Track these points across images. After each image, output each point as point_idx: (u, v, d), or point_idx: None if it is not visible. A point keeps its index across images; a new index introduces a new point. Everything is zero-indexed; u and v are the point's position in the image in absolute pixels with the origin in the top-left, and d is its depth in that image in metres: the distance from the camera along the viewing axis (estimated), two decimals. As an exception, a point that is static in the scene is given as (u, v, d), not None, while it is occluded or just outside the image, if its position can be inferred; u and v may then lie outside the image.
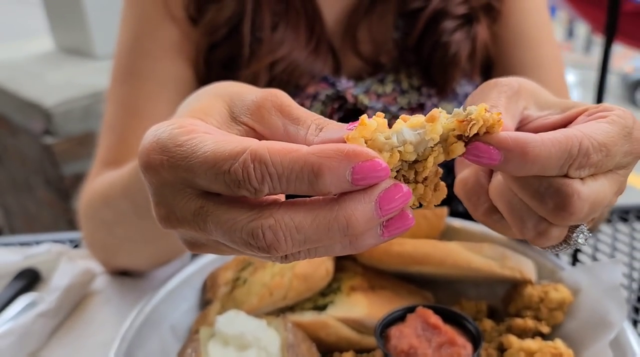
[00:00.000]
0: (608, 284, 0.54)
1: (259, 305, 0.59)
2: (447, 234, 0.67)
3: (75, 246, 0.84)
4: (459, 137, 0.33)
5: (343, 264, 0.66)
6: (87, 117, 1.91)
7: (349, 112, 0.76)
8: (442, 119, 0.32)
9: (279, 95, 0.36)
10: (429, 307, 0.55)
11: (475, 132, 0.32)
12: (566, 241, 0.39)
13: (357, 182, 0.29)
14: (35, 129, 1.87)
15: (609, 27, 1.07)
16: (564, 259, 0.77)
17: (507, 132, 0.34)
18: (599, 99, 1.21)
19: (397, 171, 0.32)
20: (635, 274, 0.72)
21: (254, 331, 0.52)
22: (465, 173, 0.41)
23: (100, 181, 0.70)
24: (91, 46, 2.15)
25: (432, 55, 0.76)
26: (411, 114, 0.77)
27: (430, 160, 0.32)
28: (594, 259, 0.76)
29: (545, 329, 0.55)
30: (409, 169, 0.33)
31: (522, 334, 0.55)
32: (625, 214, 0.86)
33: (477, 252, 0.58)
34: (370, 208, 0.30)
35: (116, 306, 0.72)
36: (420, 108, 0.77)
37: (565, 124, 0.39)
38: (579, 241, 0.39)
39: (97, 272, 0.75)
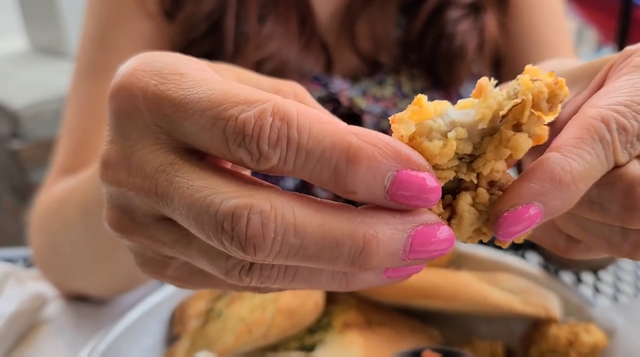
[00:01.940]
0: (650, 326, 0.46)
1: (235, 344, 0.50)
2: (455, 261, 0.58)
3: (29, 265, 0.74)
4: (516, 128, 0.24)
5: (335, 295, 0.57)
6: (58, 121, 1.80)
7: (343, 117, 0.68)
8: (493, 90, 0.23)
9: (299, 86, 0.30)
10: (437, 350, 0.46)
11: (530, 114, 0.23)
12: None
13: (396, 194, 0.21)
14: (1, 132, 1.77)
15: (620, 35, 1.01)
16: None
17: (519, 182, 0.24)
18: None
19: (452, 177, 0.24)
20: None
21: (228, 381, 0.43)
22: None
23: (55, 189, 0.62)
24: (66, 46, 2.05)
25: (436, 48, 0.69)
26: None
27: (491, 149, 0.23)
28: (617, 290, 0.68)
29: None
30: (467, 171, 0.24)
31: (548, 383, 0.47)
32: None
33: (494, 285, 0.50)
34: (400, 240, 0.22)
35: (69, 338, 0.62)
36: None
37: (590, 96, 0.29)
38: None
39: (49, 297, 0.66)
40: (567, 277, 0.68)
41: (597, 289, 0.67)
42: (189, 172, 0.22)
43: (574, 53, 0.78)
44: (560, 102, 0.24)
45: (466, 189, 0.25)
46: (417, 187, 0.21)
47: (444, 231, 0.22)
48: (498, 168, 0.24)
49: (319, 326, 0.54)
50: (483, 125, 0.24)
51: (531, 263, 0.60)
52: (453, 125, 0.23)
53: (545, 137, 0.25)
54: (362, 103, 0.68)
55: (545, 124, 0.24)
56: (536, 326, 0.51)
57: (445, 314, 0.56)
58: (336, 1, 0.72)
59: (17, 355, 0.60)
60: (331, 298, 0.56)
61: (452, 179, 0.24)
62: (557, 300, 0.51)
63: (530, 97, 0.23)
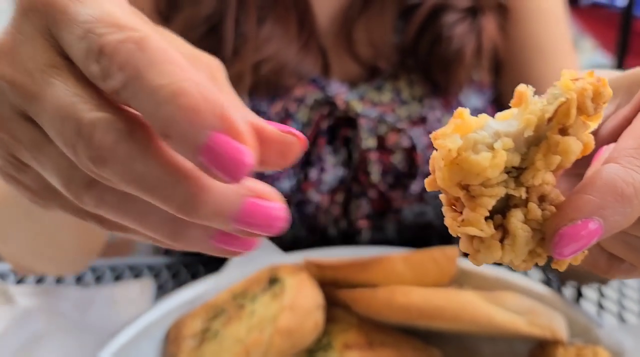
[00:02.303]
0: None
1: (232, 366, 0.48)
2: (459, 279, 0.57)
3: (19, 281, 0.72)
4: (562, 133, 0.23)
5: (335, 313, 0.55)
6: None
7: (339, 121, 0.68)
8: (534, 99, 0.22)
9: (216, 61, 0.30)
10: (441, 373, 0.45)
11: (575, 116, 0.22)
12: None
13: (209, 153, 0.21)
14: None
15: (621, 46, 1.00)
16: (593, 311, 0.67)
17: (575, 195, 0.23)
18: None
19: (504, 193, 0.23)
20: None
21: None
22: None
23: None
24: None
25: (432, 52, 0.68)
26: (411, 127, 0.68)
27: (540, 158, 0.22)
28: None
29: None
30: (516, 187, 0.23)
31: (555, 408, 0.45)
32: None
33: (499, 305, 0.48)
34: (234, 202, 0.23)
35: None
36: (422, 121, 0.69)
37: (631, 116, 0.27)
38: None
39: (38, 314, 0.64)
40: (569, 293, 0.67)
41: (601, 306, 0.65)
42: (67, 77, 0.23)
43: (576, 63, 0.77)
44: (604, 102, 0.23)
45: (515, 206, 0.23)
46: (231, 154, 0.21)
47: (278, 210, 0.23)
48: (548, 180, 0.23)
49: (319, 347, 0.52)
50: (529, 132, 0.23)
51: (534, 281, 0.58)
52: (497, 136, 0.22)
53: (593, 145, 0.24)
54: (358, 107, 0.67)
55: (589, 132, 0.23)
56: (542, 347, 0.49)
57: (447, 334, 0.55)
58: (336, 5, 0.72)
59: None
60: (331, 317, 0.55)
61: (499, 198, 0.23)
62: (563, 320, 0.50)
63: (575, 96, 0.22)
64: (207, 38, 0.67)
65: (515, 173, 0.23)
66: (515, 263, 0.24)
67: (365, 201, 0.69)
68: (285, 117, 0.67)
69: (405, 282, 0.51)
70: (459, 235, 0.24)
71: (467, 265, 0.58)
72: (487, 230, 0.23)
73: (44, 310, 0.65)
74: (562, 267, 0.24)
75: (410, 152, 0.67)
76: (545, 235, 0.23)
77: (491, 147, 0.22)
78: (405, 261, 0.52)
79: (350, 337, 0.52)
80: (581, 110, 0.22)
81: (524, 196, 0.23)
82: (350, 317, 0.55)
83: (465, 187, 0.23)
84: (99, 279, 0.74)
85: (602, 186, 0.22)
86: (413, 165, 0.68)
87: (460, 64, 0.67)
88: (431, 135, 0.23)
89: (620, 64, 1.04)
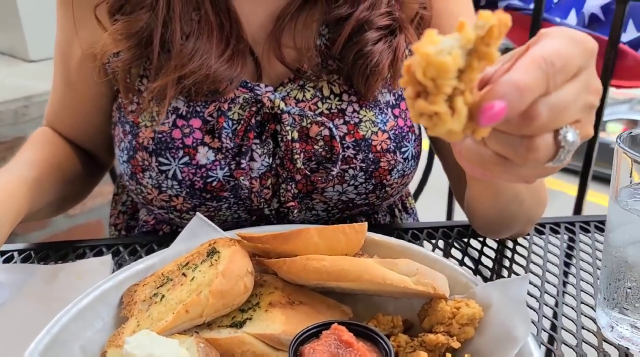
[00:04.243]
0: (515, 299, 0.56)
1: (175, 323, 0.58)
2: (369, 248, 0.68)
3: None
4: (487, 46, 0.36)
5: (264, 279, 0.66)
6: (18, 121, 1.83)
7: (266, 116, 0.78)
8: (470, 26, 0.35)
9: None
10: (344, 323, 0.55)
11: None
12: (559, 145, 0.42)
13: None
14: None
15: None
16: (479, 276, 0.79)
17: (492, 87, 0.37)
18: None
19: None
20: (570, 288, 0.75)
21: (164, 353, 0.51)
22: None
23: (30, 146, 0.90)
24: (25, 49, 2.07)
25: (355, 64, 0.78)
26: (331, 119, 0.79)
27: (475, 62, 0.36)
28: (526, 271, 0.78)
29: (456, 344, 0.56)
30: (459, 81, 0.36)
31: (434, 349, 0.56)
32: (556, 226, 0.89)
33: (393, 268, 0.59)
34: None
35: (22, 324, 0.68)
36: (340, 113, 0.79)
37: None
38: (569, 138, 0.42)
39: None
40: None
41: (479, 271, 0.79)
42: None
43: None
44: (506, 27, 0.36)
45: (458, 94, 0.36)
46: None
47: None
48: (478, 76, 0.37)
49: (248, 306, 0.62)
50: (469, 45, 0.35)
51: (428, 250, 0.70)
52: (452, 47, 0.35)
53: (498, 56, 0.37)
54: (282, 104, 0.77)
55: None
56: (429, 302, 0.61)
57: (358, 295, 0.65)
58: (264, 15, 0.81)
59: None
60: (261, 283, 0.65)
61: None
62: (446, 280, 0.61)
63: (497, 22, 0.35)
64: (137, 48, 0.76)
65: (458, 73, 0.36)
66: (457, 131, 0.37)
67: (292, 184, 0.80)
68: (218, 116, 0.77)
69: (319, 251, 0.61)
70: (425, 114, 0.36)
71: (376, 237, 0.69)
72: (445, 108, 0.35)
73: (10, 283, 0.74)
74: (485, 134, 0.38)
75: (330, 140, 0.78)
76: (473, 114, 0.37)
77: (449, 54, 0.34)
78: (319, 234, 0.62)
79: (274, 298, 0.62)
80: (497, 33, 0.36)
81: (463, 87, 0.36)
82: (276, 282, 0.65)
83: (433, 80, 0.35)
84: (62, 257, 0.83)
85: (508, 81, 0.37)
86: (333, 151, 0.78)
87: (378, 75, 0.77)
88: (412, 46, 0.34)
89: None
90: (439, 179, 1.62)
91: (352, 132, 0.79)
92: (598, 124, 1.20)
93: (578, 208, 1.25)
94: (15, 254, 0.82)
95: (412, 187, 1.26)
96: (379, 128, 0.80)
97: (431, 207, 1.36)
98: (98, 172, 1.04)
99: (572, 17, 1.23)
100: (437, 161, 1.46)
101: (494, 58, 0.36)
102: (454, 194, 0.97)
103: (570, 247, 0.84)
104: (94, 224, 1.91)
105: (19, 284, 0.74)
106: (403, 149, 0.81)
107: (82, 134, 0.96)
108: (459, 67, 0.35)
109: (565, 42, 0.40)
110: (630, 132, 0.62)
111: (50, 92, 0.95)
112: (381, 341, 0.54)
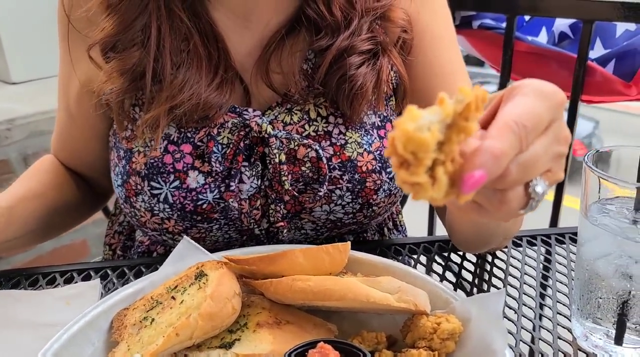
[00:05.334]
0: (492, 313, 0.58)
1: (165, 346, 0.59)
2: (352, 266, 0.70)
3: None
4: (465, 120, 0.39)
5: (251, 300, 0.67)
6: (0, 144, 1.83)
7: (255, 140, 0.81)
8: (449, 101, 0.38)
9: None
10: (330, 342, 0.57)
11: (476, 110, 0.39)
12: (529, 196, 0.46)
13: None
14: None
15: (505, 65, 1.16)
16: (461, 293, 0.81)
17: (471, 156, 0.40)
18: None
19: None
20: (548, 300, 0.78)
21: (156, 375, 0.52)
22: None
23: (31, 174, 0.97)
24: (7, 71, 2.07)
25: (339, 87, 0.81)
26: (318, 141, 0.81)
27: (454, 135, 0.38)
28: (504, 284, 0.81)
29: (437, 357, 0.58)
30: (439, 153, 0.38)
31: (417, 363, 0.58)
32: (534, 239, 0.92)
33: (375, 286, 0.61)
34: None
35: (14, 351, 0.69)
36: (327, 135, 0.82)
37: (493, 114, 0.45)
38: (538, 190, 0.45)
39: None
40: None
41: (460, 285, 0.81)
42: None
43: (466, 76, 0.91)
44: (484, 103, 0.39)
45: (439, 164, 0.38)
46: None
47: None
48: (457, 148, 0.39)
49: (237, 327, 0.63)
50: (448, 120, 0.38)
51: (410, 267, 0.73)
52: (431, 123, 0.37)
53: (479, 126, 0.40)
54: (269, 128, 0.80)
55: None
56: (412, 318, 0.63)
57: (343, 313, 0.67)
58: (251, 44, 0.84)
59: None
60: (248, 303, 0.67)
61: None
62: (427, 297, 0.63)
63: (474, 98, 0.38)
64: (130, 82, 0.79)
65: (439, 144, 0.38)
66: (439, 198, 0.39)
67: (281, 204, 0.82)
68: (208, 140, 0.80)
69: (305, 271, 0.64)
70: (407, 183, 0.38)
71: (359, 255, 0.71)
72: (425, 178, 0.37)
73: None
74: (468, 198, 0.40)
75: (317, 162, 0.81)
76: (454, 181, 0.39)
77: (429, 129, 0.36)
78: (304, 254, 0.64)
79: (262, 318, 0.64)
80: (476, 107, 0.38)
81: (443, 158, 0.38)
82: (263, 302, 0.67)
83: (414, 153, 0.37)
84: (50, 282, 0.83)
85: (484, 151, 0.39)
86: (320, 172, 0.81)
87: (363, 98, 0.80)
88: (394, 122, 0.38)
89: (508, 78, 1.20)
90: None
91: (338, 153, 0.82)
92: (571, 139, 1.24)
93: (554, 219, 1.29)
94: (3, 280, 0.83)
95: (394, 202, 1.28)
96: (365, 149, 0.82)
97: (413, 222, 1.39)
98: (97, 200, 1.07)
99: (543, 35, 1.28)
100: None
101: (472, 131, 0.39)
102: (435, 209, 1.00)
103: (547, 260, 0.87)
104: (78, 244, 1.90)
105: (4, 311, 0.75)
106: (388, 169, 0.84)
107: (82, 162, 1.00)
108: (438, 140, 0.38)
109: (535, 99, 0.43)
110: (597, 150, 0.65)
111: (55, 122, 1.00)
112: (366, 357, 0.56)
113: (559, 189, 1.26)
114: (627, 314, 0.62)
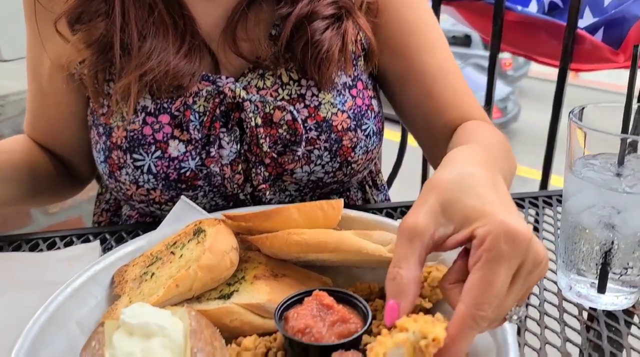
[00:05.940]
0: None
1: (166, 297, 0.61)
2: (345, 224, 0.72)
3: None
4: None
5: (248, 256, 0.70)
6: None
7: (230, 106, 0.83)
8: (411, 336, 0.44)
9: None
10: (325, 290, 0.59)
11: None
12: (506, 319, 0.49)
13: None
14: None
15: (495, 35, 1.18)
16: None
17: None
18: (488, 100, 1.32)
19: None
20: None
21: (158, 321, 0.54)
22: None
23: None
24: (-4, 49, 2.06)
25: (305, 53, 0.82)
26: (292, 104, 0.82)
27: None
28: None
29: (427, 304, 0.61)
30: None
31: (409, 310, 0.61)
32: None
33: (368, 238, 0.63)
34: None
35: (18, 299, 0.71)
36: (300, 98, 0.84)
37: (466, 240, 0.48)
38: (514, 320, 0.49)
39: None
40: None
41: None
42: None
43: (439, 35, 0.93)
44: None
45: None
46: None
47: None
48: None
49: (235, 280, 0.66)
50: (409, 354, 0.43)
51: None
52: (397, 354, 0.44)
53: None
54: (243, 93, 0.81)
55: None
56: (403, 269, 0.65)
57: (337, 266, 0.70)
58: (217, 14, 0.85)
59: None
60: (245, 259, 0.69)
61: None
62: (418, 248, 0.65)
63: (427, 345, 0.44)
64: (100, 54, 0.81)
65: None
66: None
67: (261, 167, 0.84)
68: (185, 109, 0.82)
69: (299, 227, 0.65)
70: None
71: (352, 213, 0.74)
72: None
73: (1, 270, 0.76)
74: None
75: (293, 123, 0.83)
76: None
77: None
78: (298, 210, 0.66)
79: (259, 271, 0.66)
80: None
81: None
82: (260, 257, 0.69)
83: None
84: (50, 246, 0.85)
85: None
86: (296, 133, 0.83)
87: (330, 63, 0.82)
88: (368, 347, 0.46)
89: (498, 49, 1.22)
90: (412, 166, 1.68)
91: (312, 114, 0.84)
92: (559, 110, 1.27)
93: (544, 184, 1.32)
94: (5, 245, 0.85)
95: (386, 173, 1.30)
96: (338, 109, 0.84)
97: (404, 191, 1.41)
98: (74, 184, 1.06)
99: (533, 5, 1.29)
100: (409, 149, 1.51)
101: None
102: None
103: (536, 221, 0.90)
104: (74, 221, 1.92)
105: (8, 272, 0.77)
106: (364, 127, 0.86)
107: (59, 143, 0.99)
108: None
109: (496, 266, 0.45)
110: (583, 107, 0.67)
111: (27, 103, 0.98)
112: (360, 304, 0.59)
113: (549, 151, 1.28)
114: (609, 263, 0.65)
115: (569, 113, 0.66)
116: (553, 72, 1.22)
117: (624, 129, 0.62)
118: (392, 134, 1.92)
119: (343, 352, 0.49)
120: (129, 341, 0.53)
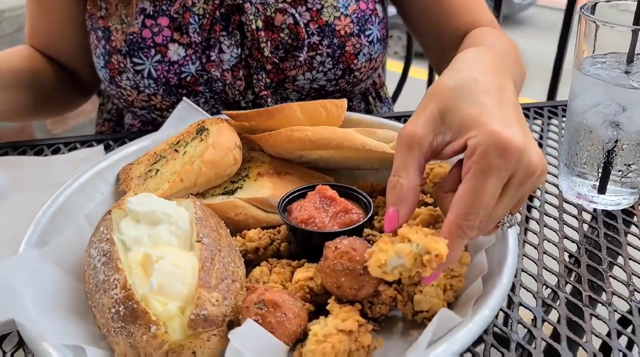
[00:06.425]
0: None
1: (171, 190, 0.62)
2: (349, 125, 0.71)
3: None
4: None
5: (252, 155, 0.70)
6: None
7: (230, 8, 0.81)
8: (414, 248, 0.44)
9: None
10: (328, 185, 0.60)
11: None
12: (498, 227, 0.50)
13: None
14: None
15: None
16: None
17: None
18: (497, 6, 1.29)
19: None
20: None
21: (164, 209, 0.55)
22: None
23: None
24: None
25: None
26: (294, 7, 0.79)
27: (413, 275, 0.46)
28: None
29: (429, 199, 0.62)
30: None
31: (410, 205, 0.62)
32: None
33: (371, 136, 0.63)
34: None
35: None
36: (302, 0, 0.82)
37: (461, 149, 0.47)
38: (504, 229, 0.50)
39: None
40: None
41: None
42: None
43: None
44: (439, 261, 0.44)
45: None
46: None
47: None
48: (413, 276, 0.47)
49: (238, 178, 0.66)
50: (410, 265, 0.44)
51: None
52: (397, 263, 0.45)
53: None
54: None
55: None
56: (406, 167, 0.65)
57: (339, 167, 0.70)
58: None
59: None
60: (249, 158, 0.69)
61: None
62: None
63: (430, 260, 0.44)
64: None
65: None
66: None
67: (263, 73, 0.83)
68: (184, 12, 0.79)
69: (301, 125, 0.65)
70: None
71: (354, 115, 0.73)
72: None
73: (7, 173, 0.76)
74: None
75: (295, 27, 0.81)
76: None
77: (394, 268, 0.45)
78: (302, 108, 0.65)
79: (262, 169, 0.66)
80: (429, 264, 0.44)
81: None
82: (263, 156, 0.69)
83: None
84: (54, 152, 0.86)
85: (440, 267, 0.45)
86: (298, 38, 0.81)
87: None
88: (366, 253, 0.46)
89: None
90: (417, 82, 1.65)
91: (315, 18, 0.81)
92: (567, 31, 1.23)
93: (552, 94, 1.30)
94: (10, 150, 0.85)
95: (390, 90, 1.29)
96: (341, 12, 0.82)
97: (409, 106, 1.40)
98: (80, 92, 1.04)
99: None
100: (413, 65, 1.49)
101: (427, 274, 0.45)
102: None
103: (541, 130, 0.90)
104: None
105: (16, 174, 0.77)
106: (367, 32, 0.84)
107: (60, 49, 0.97)
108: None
109: (486, 177, 0.44)
110: (595, 2, 0.65)
111: (26, 11, 0.96)
112: (362, 198, 0.59)
113: (557, 63, 1.26)
114: (611, 162, 0.65)
115: (580, 7, 0.64)
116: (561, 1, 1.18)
117: (636, 22, 0.60)
118: (395, 66, 1.89)
119: (345, 237, 0.50)
120: (135, 227, 0.54)
